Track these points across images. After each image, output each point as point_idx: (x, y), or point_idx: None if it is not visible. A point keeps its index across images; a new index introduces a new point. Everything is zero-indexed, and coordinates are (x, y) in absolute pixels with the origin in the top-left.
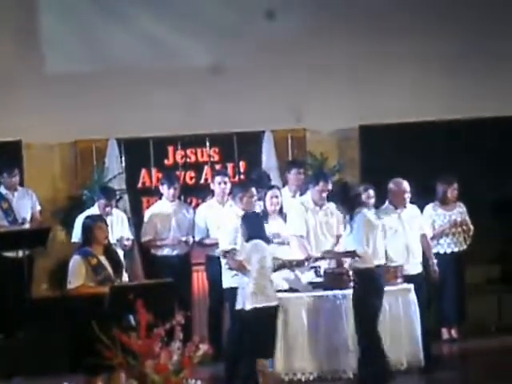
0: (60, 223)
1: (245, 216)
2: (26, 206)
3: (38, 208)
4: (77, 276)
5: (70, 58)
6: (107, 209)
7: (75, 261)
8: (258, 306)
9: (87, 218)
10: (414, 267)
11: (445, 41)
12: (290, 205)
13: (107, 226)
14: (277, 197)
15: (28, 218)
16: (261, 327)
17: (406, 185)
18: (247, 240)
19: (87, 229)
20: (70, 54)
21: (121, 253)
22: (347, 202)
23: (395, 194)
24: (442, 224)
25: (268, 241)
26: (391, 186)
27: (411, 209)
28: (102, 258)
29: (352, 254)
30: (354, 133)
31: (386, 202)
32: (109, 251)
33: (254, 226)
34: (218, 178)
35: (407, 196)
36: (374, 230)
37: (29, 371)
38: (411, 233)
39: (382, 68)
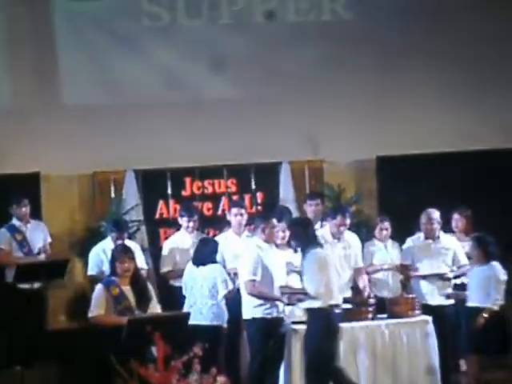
0: (77, 255)
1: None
2: (39, 238)
3: (49, 240)
4: (98, 305)
5: (87, 90)
6: (119, 241)
7: (98, 290)
8: None
9: (115, 248)
10: (444, 298)
11: (460, 71)
12: None
13: (132, 258)
14: (284, 231)
15: (41, 249)
16: None
17: (434, 215)
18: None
19: (112, 259)
20: (87, 87)
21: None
22: (302, 238)
23: (423, 223)
24: None
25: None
26: (422, 216)
27: (446, 239)
28: (126, 289)
29: (305, 292)
30: (371, 164)
31: (420, 234)
32: (136, 282)
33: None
34: (234, 210)
35: (436, 226)
36: (327, 269)
37: None
38: (441, 263)
39: (399, 99)
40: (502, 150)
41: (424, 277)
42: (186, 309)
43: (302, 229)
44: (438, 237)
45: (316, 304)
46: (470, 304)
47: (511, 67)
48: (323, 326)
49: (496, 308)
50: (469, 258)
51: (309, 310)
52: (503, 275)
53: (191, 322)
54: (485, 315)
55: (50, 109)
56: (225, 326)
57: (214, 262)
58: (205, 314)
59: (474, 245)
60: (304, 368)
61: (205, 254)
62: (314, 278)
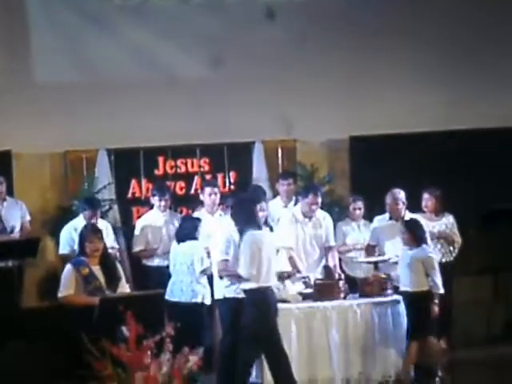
0: (49, 234)
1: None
2: (15, 216)
3: (28, 218)
4: (67, 285)
5: (59, 68)
6: (92, 220)
7: (67, 270)
8: None
9: (84, 227)
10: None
11: (435, 52)
12: (281, 215)
13: (101, 238)
14: (263, 210)
15: (17, 228)
16: None
17: (399, 195)
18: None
19: (80, 239)
20: (60, 65)
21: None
22: (241, 217)
23: (389, 204)
24: None
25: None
26: (387, 196)
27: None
28: (96, 268)
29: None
30: (344, 143)
31: (386, 214)
32: (105, 262)
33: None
34: (207, 189)
35: (401, 207)
36: (262, 252)
37: (17, 382)
38: None
39: (372, 79)
40: (475, 130)
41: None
42: (169, 286)
43: (242, 208)
44: (403, 217)
45: (248, 285)
46: (402, 288)
47: (486, 48)
48: (256, 306)
49: (425, 289)
50: (435, 237)
51: (244, 291)
52: (434, 258)
53: (173, 299)
54: (436, 301)
55: (21, 87)
56: (206, 303)
57: (194, 238)
58: (184, 290)
59: (404, 229)
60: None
61: (185, 230)
62: (246, 260)
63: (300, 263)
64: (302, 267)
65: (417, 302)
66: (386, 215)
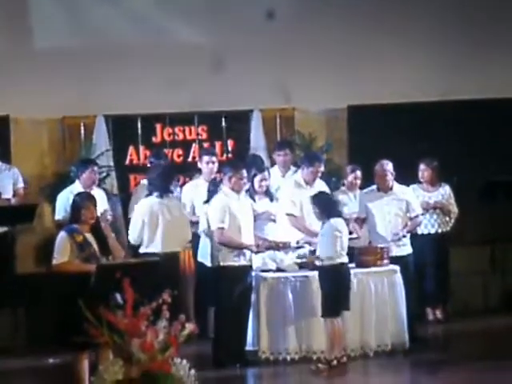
0: (47, 199)
1: None
2: (8, 182)
3: (21, 185)
4: (61, 252)
5: (58, 33)
6: (93, 178)
7: (61, 237)
8: None
9: (77, 195)
10: (402, 249)
11: (432, 23)
12: (281, 184)
13: (95, 205)
14: (266, 180)
15: (10, 194)
16: None
17: (388, 166)
18: None
19: (75, 207)
20: (59, 30)
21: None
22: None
23: (377, 175)
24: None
25: None
26: (376, 167)
27: (400, 190)
28: (88, 236)
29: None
30: (342, 113)
31: (374, 185)
32: (96, 229)
33: None
34: (205, 158)
35: (389, 178)
36: (153, 218)
37: (13, 347)
38: (394, 215)
39: (371, 49)
40: (473, 100)
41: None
42: None
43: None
44: (391, 188)
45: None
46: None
47: (485, 18)
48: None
49: (340, 261)
50: (424, 208)
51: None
52: (344, 230)
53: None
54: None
55: (21, 53)
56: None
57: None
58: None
59: (312, 203)
60: None
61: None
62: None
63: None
64: (305, 234)
65: (330, 275)
66: (374, 187)
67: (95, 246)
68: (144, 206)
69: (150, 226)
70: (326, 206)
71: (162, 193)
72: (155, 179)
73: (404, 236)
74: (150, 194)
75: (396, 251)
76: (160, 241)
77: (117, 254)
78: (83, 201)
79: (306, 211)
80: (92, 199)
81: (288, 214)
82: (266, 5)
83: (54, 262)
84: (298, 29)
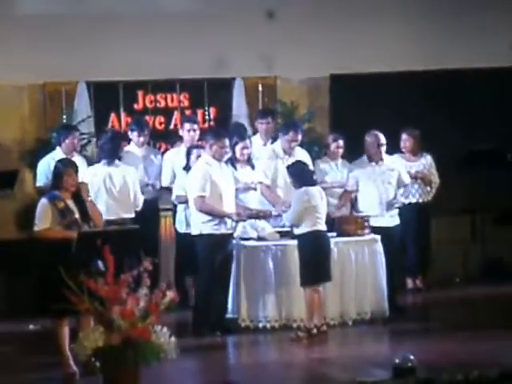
0: (27, 166)
1: None
2: None
3: None
4: (43, 219)
5: (40, 0)
6: (75, 144)
7: (42, 204)
8: None
9: (59, 161)
10: (390, 219)
11: None
12: (260, 153)
13: (77, 172)
14: (247, 148)
15: None
16: None
17: (381, 138)
18: None
19: (57, 174)
20: None
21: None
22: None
23: (370, 146)
24: None
25: None
26: (367, 138)
27: (390, 160)
28: (70, 202)
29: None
30: (324, 81)
31: (364, 156)
32: (77, 196)
33: None
34: (187, 125)
35: (383, 149)
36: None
37: None
38: (387, 185)
39: (353, 17)
40: (455, 70)
41: None
42: None
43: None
44: (382, 159)
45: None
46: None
47: None
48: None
49: (316, 228)
50: (412, 177)
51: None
52: (318, 198)
53: None
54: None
55: (2, 18)
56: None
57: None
58: None
59: (288, 173)
60: None
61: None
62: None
63: (276, 198)
64: (274, 202)
65: (308, 242)
66: (364, 157)
67: (76, 212)
68: (90, 173)
69: (94, 192)
70: (301, 175)
71: (110, 160)
72: (103, 146)
73: (402, 204)
74: (98, 161)
75: (387, 222)
76: (104, 208)
77: (97, 222)
78: (65, 167)
79: (283, 179)
80: (73, 166)
81: (260, 183)
82: None
83: (36, 228)
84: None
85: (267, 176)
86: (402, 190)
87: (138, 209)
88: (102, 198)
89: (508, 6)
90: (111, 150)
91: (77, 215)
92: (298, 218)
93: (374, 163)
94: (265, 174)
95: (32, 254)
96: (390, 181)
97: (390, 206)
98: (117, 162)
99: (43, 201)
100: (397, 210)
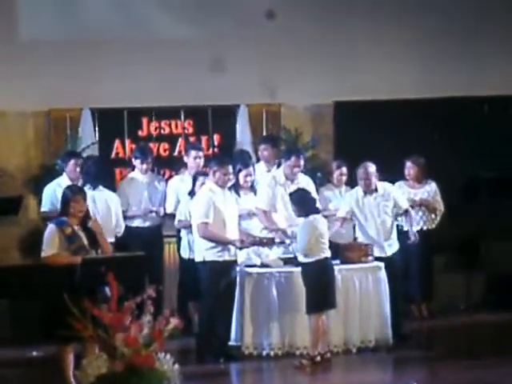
0: (32, 192)
1: None
2: None
3: None
4: (50, 245)
5: (45, 26)
6: (77, 170)
7: (50, 229)
8: None
9: (67, 188)
10: (388, 249)
11: (420, 20)
12: (262, 179)
13: (85, 199)
14: (251, 175)
15: None
16: None
17: (370, 169)
18: None
19: (65, 200)
20: (46, 22)
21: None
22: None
23: (362, 179)
24: None
25: None
26: (359, 170)
27: (383, 188)
28: (77, 228)
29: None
30: (328, 109)
31: (359, 186)
32: (85, 222)
33: None
34: (193, 153)
35: (373, 180)
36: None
37: None
38: (384, 215)
39: (357, 45)
40: (460, 98)
41: None
42: None
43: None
44: (376, 189)
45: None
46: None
47: (467, 16)
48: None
49: (324, 255)
50: (411, 206)
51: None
52: (323, 226)
53: None
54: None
55: (6, 45)
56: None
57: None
58: None
59: (290, 200)
60: None
61: None
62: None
63: (272, 224)
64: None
65: (313, 270)
66: (359, 188)
67: (84, 238)
68: None
69: None
70: (304, 203)
71: (94, 185)
72: (88, 171)
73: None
74: (83, 185)
75: (386, 251)
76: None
77: (106, 248)
78: (73, 194)
79: (284, 206)
80: (81, 192)
81: (257, 208)
82: (255, 3)
83: (43, 254)
84: (285, 24)
85: (265, 200)
86: (401, 219)
87: (119, 235)
88: None
89: (510, 34)
90: (95, 174)
91: (85, 241)
92: (309, 248)
93: (368, 194)
94: (263, 200)
95: (36, 280)
96: (385, 211)
97: (387, 235)
98: (100, 187)
99: (51, 226)
100: (395, 238)
